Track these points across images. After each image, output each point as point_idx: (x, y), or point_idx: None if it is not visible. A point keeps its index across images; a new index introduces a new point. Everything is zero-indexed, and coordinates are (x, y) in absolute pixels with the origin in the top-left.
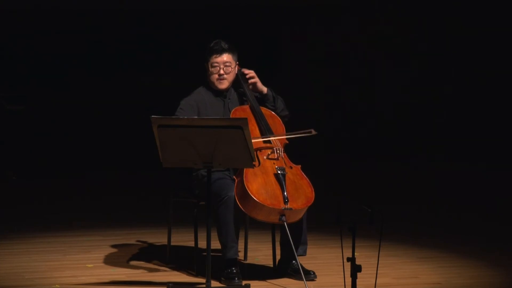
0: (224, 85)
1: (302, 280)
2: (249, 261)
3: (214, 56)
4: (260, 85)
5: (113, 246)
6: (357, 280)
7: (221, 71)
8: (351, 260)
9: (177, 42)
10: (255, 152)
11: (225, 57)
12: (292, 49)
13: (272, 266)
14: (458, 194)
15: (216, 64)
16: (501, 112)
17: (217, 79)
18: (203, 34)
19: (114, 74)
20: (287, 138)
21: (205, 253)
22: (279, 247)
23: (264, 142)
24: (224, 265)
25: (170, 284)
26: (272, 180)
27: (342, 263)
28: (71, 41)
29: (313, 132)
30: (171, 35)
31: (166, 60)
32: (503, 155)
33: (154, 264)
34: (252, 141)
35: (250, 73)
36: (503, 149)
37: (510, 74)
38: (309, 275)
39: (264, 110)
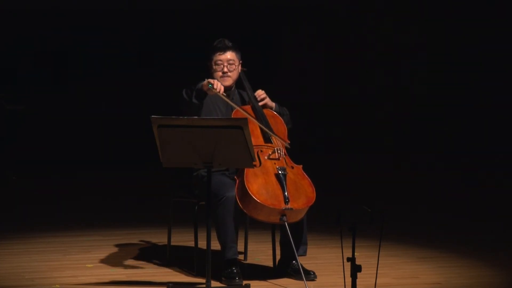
0: (227, 82)
1: (302, 280)
2: (249, 261)
3: (218, 53)
4: (270, 103)
5: (113, 246)
6: (357, 280)
7: (225, 69)
8: (351, 260)
9: (177, 42)
10: (256, 153)
11: (229, 55)
12: (292, 49)
13: (272, 266)
14: (458, 194)
15: (220, 62)
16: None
17: (221, 77)
18: (203, 34)
19: (114, 74)
20: (288, 138)
21: (205, 253)
22: (279, 247)
23: (265, 142)
24: (224, 265)
25: (170, 284)
26: (272, 180)
27: (342, 263)
28: (71, 41)
29: (287, 144)
30: (171, 35)
31: (166, 60)
32: (502, 154)
33: (154, 264)
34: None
35: (261, 95)
36: (502, 148)
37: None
38: (309, 275)
39: (265, 110)
